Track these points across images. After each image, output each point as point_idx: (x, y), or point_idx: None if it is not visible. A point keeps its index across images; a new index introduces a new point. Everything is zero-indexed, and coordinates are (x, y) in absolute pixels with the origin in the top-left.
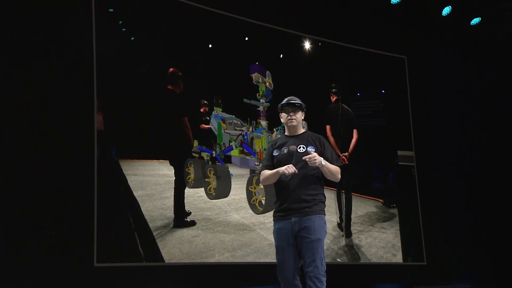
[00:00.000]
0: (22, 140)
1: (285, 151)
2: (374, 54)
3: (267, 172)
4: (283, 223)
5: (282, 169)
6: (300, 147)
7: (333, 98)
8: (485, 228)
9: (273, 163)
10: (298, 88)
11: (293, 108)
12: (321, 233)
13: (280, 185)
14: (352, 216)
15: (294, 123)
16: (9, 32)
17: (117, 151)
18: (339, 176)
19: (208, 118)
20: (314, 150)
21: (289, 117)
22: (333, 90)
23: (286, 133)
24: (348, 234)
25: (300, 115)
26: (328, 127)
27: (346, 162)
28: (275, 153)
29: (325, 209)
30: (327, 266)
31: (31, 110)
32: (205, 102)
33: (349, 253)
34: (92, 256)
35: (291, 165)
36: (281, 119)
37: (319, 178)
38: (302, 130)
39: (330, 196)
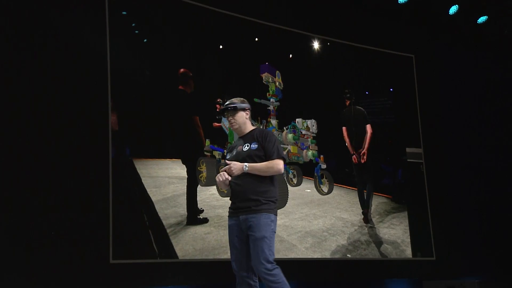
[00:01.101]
0: (40, 140)
1: (234, 153)
2: (382, 53)
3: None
4: (233, 220)
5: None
6: (245, 146)
7: (347, 102)
8: (493, 224)
9: None
10: (307, 87)
11: (230, 112)
12: (266, 230)
13: (232, 184)
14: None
15: (236, 126)
16: (27, 36)
17: (131, 151)
18: (278, 167)
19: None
20: (256, 146)
21: (229, 121)
22: (347, 95)
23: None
24: (367, 221)
25: (240, 116)
26: (344, 128)
27: (364, 160)
28: (228, 156)
29: (336, 207)
30: (337, 262)
31: (49, 112)
32: (220, 100)
33: (359, 248)
34: (108, 253)
35: (221, 173)
36: None
37: (268, 177)
38: (249, 129)
39: (348, 194)
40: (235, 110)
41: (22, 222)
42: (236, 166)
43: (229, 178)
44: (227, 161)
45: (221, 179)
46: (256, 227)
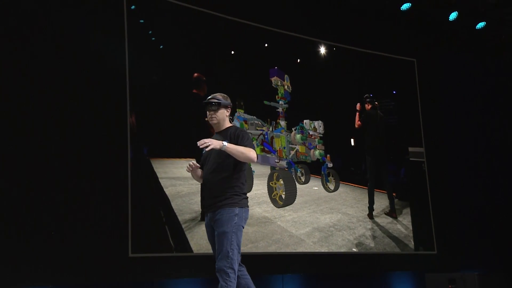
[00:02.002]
0: (65, 142)
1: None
2: (385, 58)
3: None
4: (206, 218)
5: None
6: None
7: (368, 106)
8: (492, 219)
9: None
10: (314, 90)
11: (212, 106)
12: (229, 225)
13: (202, 183)
14: (367, 208)
15: (215, 121)
16: (51, 41)
17: (148, 151)
18: (253, 154)
19: (231, 117)
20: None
21: (209, 115)
22: (368, 99)
23: (215, 131)
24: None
25: (221, 112)
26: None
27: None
28: (203, 151)
29: (342, 203)
30: (343, 255)
31: (74, 115)
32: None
33: (364, 243)
34: (127, 247)
35: (190, 163)
36: None
37: (235, 172)
38: (227, 126)
39: (354, 191)
40: (219, 106)
41: (49, 219)
42: (214, 140)
43: (197, 165)
44: (203, 155)
45: (188, 167)
46: (219, 222)
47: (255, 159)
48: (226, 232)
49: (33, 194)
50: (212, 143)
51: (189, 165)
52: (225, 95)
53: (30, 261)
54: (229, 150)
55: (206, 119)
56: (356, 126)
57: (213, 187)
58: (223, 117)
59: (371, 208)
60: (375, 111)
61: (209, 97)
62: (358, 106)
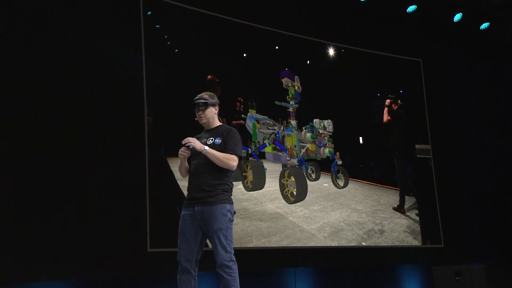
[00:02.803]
0: (85, 142)
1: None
2: (392, 58)
3: (179, 164)
4: (188, 210)
5: (181, 153)
6: (209, 139)
7: (395, 107)
8: (497, 213)
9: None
10: (323, 90)
11: (200, 106)
12: (223, 222)
13: (189, 175)
14: (375, 204)
15: (204, 120)
16: (73, 45)
17: (165, 150)
18: (232, 163)
19: (243, 116)
20: (220, 141)
21: (198, 115)
22: (392, 98)
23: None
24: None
25: (210, 111)
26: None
27: None
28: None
29: (352, 199)
30: (353, 249)
31: (94, 115)
32: (240, 99)
33: (373, 237)
34: (146, 242)
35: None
36: None
37: (224, 170)
38: (216, 124)
39: (363, 188)
40: (206, 105)
41: (73, 215)
42: (198, 142)
43: (188, 153)
44: (192, 150)
45: (184, 149)
46: (212, 219)
47: (234, 168)
48: (222, 229)
49: (58, 191)
50: (194, 144)
51: (183, 150)
52: (212, 93)
53: (53, 255)
54: (209, 156)
55: (195, 119)
56: (384, 120)
57: (203, 181)
58: (211, 115)
59: (402, 205)
60: (402, 110)
61: (196, 97)
62: (388, 101)
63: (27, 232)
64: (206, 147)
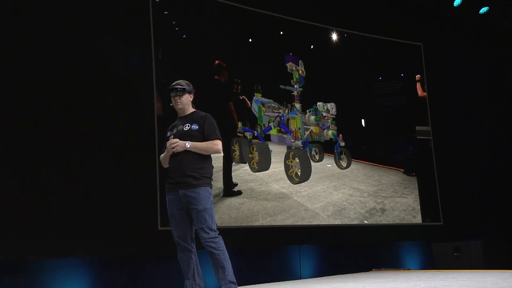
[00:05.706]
0: (99, 126)
1: (174, 131)
2: (393, 42)
3: (162, 155)
4: (173, 194)
5: (168, 149)
6: (185, 126)
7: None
8: (494, 192)
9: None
10: (327, 74)
11: (177, 92)
12: (208, 202)
13: (171, 160)
14: (377, 183)
15: (180, 106)
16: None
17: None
18: (218, 147)
19: (240, 97)
20: (197, 127)
21: (174, 100)
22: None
23: (178, 115)
24: None
25: (186, 97)
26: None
27: None
28: (168, 134)
29: (354, 179)
30: (356, 227)
31: (106, 101)
32: (237, 80)
33: (374, 215)
34: (157, 221)
35: (170, 140)
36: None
37: (205, 156)
38: (190, 111)
39: (365, 168)
40: (183, 91)
41: (87, 195)
42: (180, 144)
43: (177, 141)
44: (171, 138)
45: (172, 144)
46: (197, 200)
47: (220, 151)
48: (207, 209)
49: (76, 172)
50: (178, 146)
51: (171, 141)
52: (187, 82)
53: (68, 233)
54: (194, 150)
55: (170, 104)
56: (420, 95)
57: (187, 167)
58: (187, 102)
59: None
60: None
61: (174, 83)
62: (418, 76)
63: (42, 210)
64: (188, 145)
